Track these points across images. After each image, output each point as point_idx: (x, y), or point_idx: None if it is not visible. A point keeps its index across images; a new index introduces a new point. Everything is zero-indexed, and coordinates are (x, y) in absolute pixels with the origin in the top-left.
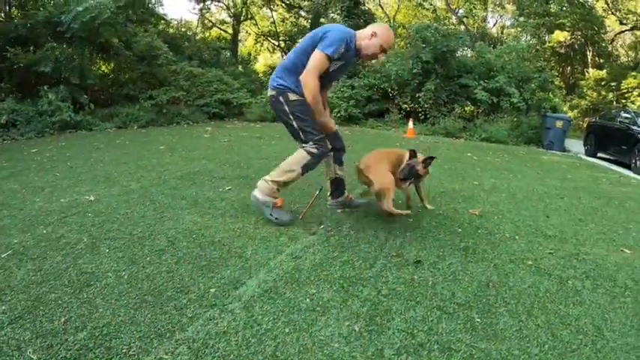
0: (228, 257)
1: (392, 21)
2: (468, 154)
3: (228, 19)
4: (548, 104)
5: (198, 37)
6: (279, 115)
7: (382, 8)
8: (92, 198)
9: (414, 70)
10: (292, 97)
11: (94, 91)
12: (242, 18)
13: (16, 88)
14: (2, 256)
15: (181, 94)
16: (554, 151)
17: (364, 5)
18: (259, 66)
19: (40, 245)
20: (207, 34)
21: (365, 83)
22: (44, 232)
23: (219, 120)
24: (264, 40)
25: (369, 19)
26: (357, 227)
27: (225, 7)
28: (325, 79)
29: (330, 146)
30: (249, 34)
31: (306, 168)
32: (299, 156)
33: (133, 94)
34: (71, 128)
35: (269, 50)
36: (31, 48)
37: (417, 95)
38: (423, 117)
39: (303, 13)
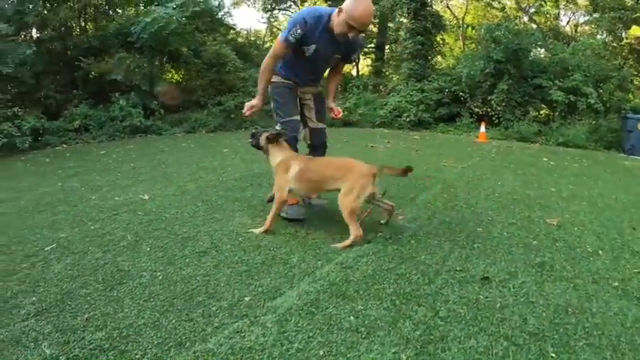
0: (271, 264)
1: (461, 22)
2: (544, 159)
3: None
4: (629, 105)
5: (267, 46)
6: None
7: (450, 10)
8: (146, 197)
9: (487, 70)
10: (274, 78)
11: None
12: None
13: (90, 96)
14: (46, 248)
15: (249, 100)
16: (636, 157)
17: (431, 7)
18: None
19: (84, 240)
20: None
21: (435, 87)
22: (92, 228)
23: None
24: None
25: (436, 20)
26: (420, 235)
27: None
28: (309, 64)
29: (306, 138)
30: None
31: None
32: None
33: (202, 100)
34: (141, 132)
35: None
36: (105, 58)
37: (489, 97)
38: (496, 121)
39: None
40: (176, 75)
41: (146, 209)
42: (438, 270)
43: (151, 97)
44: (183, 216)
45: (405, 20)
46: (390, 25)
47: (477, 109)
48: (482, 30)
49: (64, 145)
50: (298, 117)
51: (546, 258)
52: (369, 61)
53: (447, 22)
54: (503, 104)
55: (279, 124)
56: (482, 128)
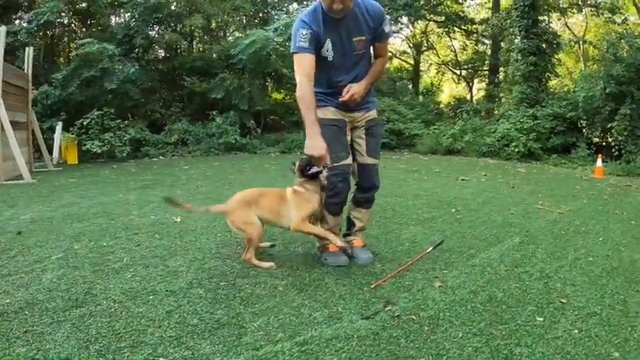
0: (226, 323)
1: (581, 41)
2: None
3: (410, 50)
4: None
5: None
6: None
7: (569, 28)
8: (178, 219)
9: (608, 90)
10: (318, 113)
11: (265, 117)
12: (423, 48)
13: (192, 112)
14: (53, 257)
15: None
16: None
17: (548, 24)
18: (444, 97)
19: (87, 256)
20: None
21: (548, 112)
22: (104, 244)
23: (389, 150)
24: (445, 69)
25: (550, 38)
26: (445, 318)
27: (404, 37)
28: (340, 67)
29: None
30: (431, 64)
31: (327, 206)
32: None
33: (301, 121)
34: (236, 150)
35: (454, 80)
36: (208, 78)
37: (609, 125)
38: (616, 153)
39: (486, 41)
40: (278, 95)
41: (166, 232)
42: None
43: (249, 116)
44: (193, 245)
45: (517, 40)
46: (503, 45)
47: (595, 139)
48: (605, 44)
49: (161, 157)
50: (349, 161)
51: None
52: (483, 85)
53: (566, 42)
54: (625, 133)
55: (325, 170)
56: (599, 162)
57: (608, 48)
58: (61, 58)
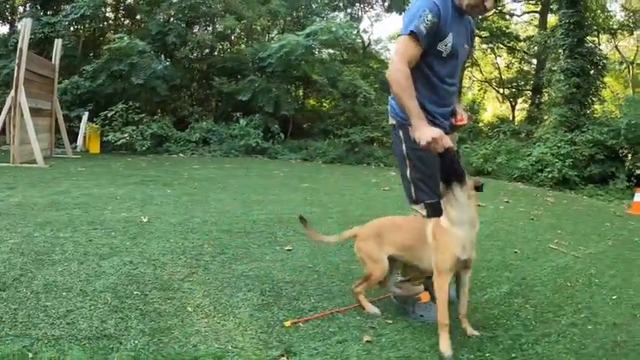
0: (109, 335)
1: (630, 65)
2: None
3: None
4: None
5: None
6: (396, 156)
7: (619, 51)
8: (145, 219)
9: None
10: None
11: (293, 122)
12: (466, 64)
13: (218, 112)
14: (10, 242)
15: (377, 135)
16: None
17: (593, 45)
18: (487, 116)
19: (40, 245)
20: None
21: (588, 138)
22: (61, 235)
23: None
24: (487, 87)
25: (596, 59)
26: None
27: None
28: (446, 70)
29: None
30: (474, 80)
31: None
32: None
33: (328, 129)
34: (257, 153)
35: (498, 100)
36: (237, 79)
37: None
38: None
39: (532, 60)
40: (313, 101)
41: (123, 231)
42: None
43: (275, 120)
44: (138, 248)
45: (561, 60)
46: (548, 65)
47: (638, 171)
48: None
49: (181, 155)
50: None
51: None
52: (526, 106)
53: (612, 64)
54: None
55: (423, 205)
56: (637, 196)
57: None
58: (106, 51)
